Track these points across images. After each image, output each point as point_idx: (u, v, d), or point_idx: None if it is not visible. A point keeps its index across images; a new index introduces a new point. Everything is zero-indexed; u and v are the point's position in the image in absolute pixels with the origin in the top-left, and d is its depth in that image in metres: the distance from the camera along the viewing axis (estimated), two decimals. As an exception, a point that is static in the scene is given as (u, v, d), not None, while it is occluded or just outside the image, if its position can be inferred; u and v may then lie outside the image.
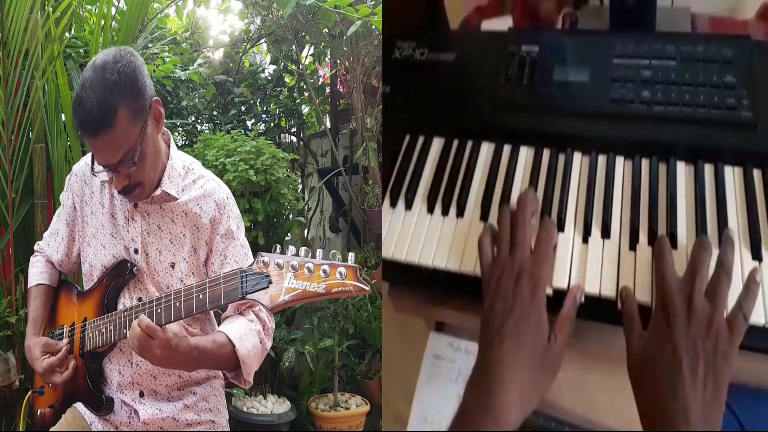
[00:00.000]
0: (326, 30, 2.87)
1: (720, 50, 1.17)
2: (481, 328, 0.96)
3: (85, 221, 1.37)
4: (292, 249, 1.04)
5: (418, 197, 1.22)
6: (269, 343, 1.32)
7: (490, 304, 0.96)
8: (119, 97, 1.16)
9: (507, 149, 1.25)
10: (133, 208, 1.32)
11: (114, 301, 1.32)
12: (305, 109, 3.69)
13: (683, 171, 1.13)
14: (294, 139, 3.76)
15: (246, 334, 1.26)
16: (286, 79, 3.62)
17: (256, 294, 1.03)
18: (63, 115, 2.33)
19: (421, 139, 1.32)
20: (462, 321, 1.16)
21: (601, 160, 1.18)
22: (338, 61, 3.30)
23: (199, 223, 1.32)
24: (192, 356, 1.15)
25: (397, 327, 1.26)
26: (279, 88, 3.60)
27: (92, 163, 1.25)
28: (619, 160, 1.17)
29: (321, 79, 3.61)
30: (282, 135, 3.69)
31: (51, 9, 2.27)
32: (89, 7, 2.71)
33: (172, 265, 1.31)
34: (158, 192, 1.29)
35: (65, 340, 1.34)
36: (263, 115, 3.55)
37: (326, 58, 3.41)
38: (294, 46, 3.24)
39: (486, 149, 1.27)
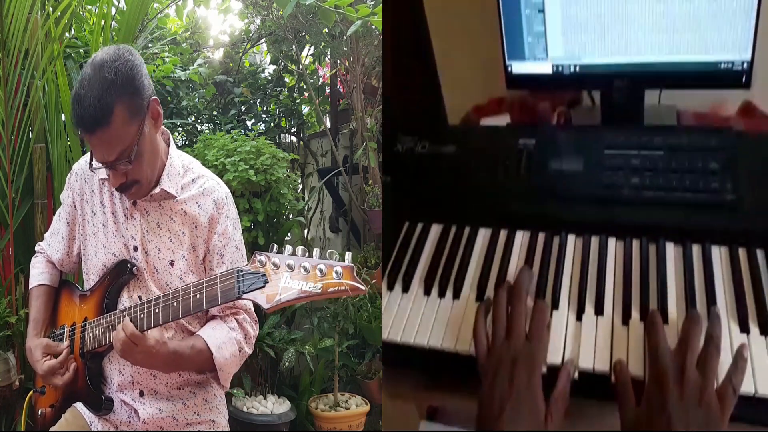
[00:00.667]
0: (326, 30, 2.87)
1: (704, 140, 1.26)
2: (478, 413, 0.99)
3: (86, 220, 1.38)
4: (288, 248, 1.03)
5: (416, 280, 1.27)
6: (249, 350, 1.34)
7: (487, 390, 0.99)
8: (116, 96, 1.17)
9: (504, 233, 1.31)
10: (132, 206, 1.32)
11: (114, 300, 1.32)
12: (305, 109, 3.68)
13: (672, 251, 1.19)
14: (294, 139, 3.75)
15: (225, 342, 1.29)
16: (286, 79, 3.62)
17: (253, 293, 1.03)
18: (63, 115, 2.33)
19: (419, 226, 1.38)
20: (455, 405, 1.19)
21: (594, 241, 1.24)
22: (338, 61, 3.29)
23: (197, 222, 1.32)
24: (170, 360, 1.21)
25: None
26: (279, 88, 3.60)
27: (90, 159, 1.26)
28: (611, 242, 1.23)
29: (321, 79, 3.61)
30: (282, 135, 3.69)
31: (51, 9, 2.27)
32: (89, 7, 2.71)
33: (171, 263, 1.31)
34: (157, 190, 1.30)
35: (66, 342, 1.34)
36: (263, 115, 3.55)
37: (326, 58, 3.41)
38: (294, 46, 3.24)
39: (483, 234, 1.33)
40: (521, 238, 1.30)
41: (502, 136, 1.44)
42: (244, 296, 1.05)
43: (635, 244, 1.21)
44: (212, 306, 1.12)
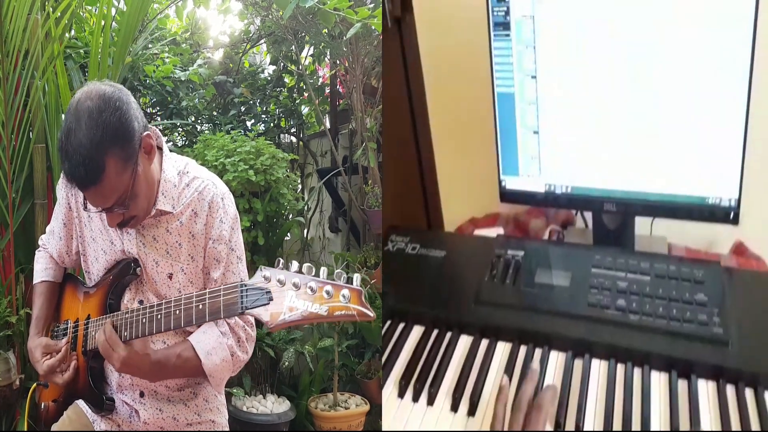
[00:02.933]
0: (326, 30, 2.87)
1: (692, 271, 1.25)
2: None
3: (83, 223, 1.37)
4: (295, 265, 1.00)
5: (390, 380, 1.24)
6: (244, 355, 1.31)
7: None
8: (106, 151, 1.10)
9: (485, 343, 1.28)
10: None
11: (117, 300, 1.31)
12: (305, 110, 3.69)
13: (657, 379, 1.14)
14: (294, 139, 3.76)
15: (215, 348, 1.26)
16: (286, 80, 3.62)
17: (256, 310, 1.01)
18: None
19: (401, 326, 1.36)
20: None
21: (578, 360, 1.20)
22: (338, 62, 3.30)
23: (194, 230, 1.29)
24: (155, 370, 1.21)
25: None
26: (279, 89, 3.60)
27: (84, 201, 1.22)
28: (595, 363, 1.20)
29: (321, 80, 3.61)
30: (282, 135, 3.69)
31: (51, 9, 2.27)
32: (89, 7, 2.72)
33: (170, 276, 1.29)
34: (153, 212, 1.26)
35: (65, 339, 1.34)
36: (263, 116, 3.55)
37: (326, 59, 3.41)
38: (294, 47, 3.25)
39: (464, 342, 1.30)
40: (502, 350, 1.26)
41: (492, 246, 1.44)
42: (247, 312, 1.02)
43: (620, 368, 1.17)
44: (215, 319, 1.10)
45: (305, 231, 3.37)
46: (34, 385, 1.42)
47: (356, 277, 0.97)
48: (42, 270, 1.45)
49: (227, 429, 1.42)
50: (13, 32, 2.15)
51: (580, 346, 1.21)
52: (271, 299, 1.00)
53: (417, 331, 1.35)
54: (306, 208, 3.27)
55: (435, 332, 1.33)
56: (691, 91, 1.28)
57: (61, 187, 1.40)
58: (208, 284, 1.30)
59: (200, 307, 1.09)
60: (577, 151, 1.40)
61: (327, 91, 3.62)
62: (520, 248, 1.41)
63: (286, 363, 2.61)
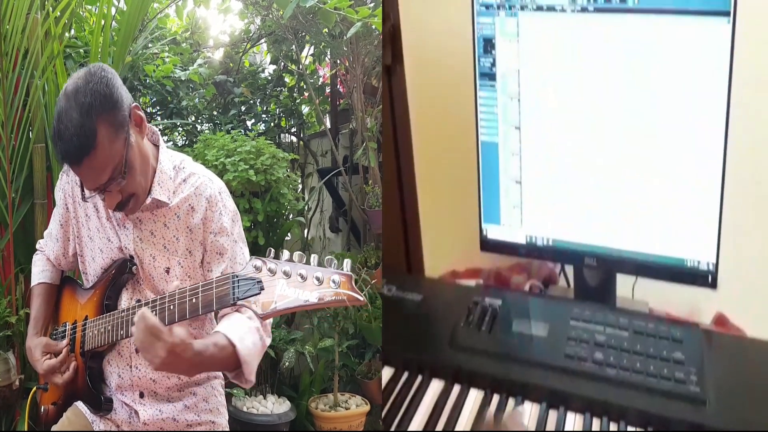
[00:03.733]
0: (326, 30, 2.87)
1: (670, 330, 1.26)
2: None
3: (80, 222, 1.36)
4: (286, 254, 1.00)
5: None
6: (268, 340, 1.29)
7: None
8: (97, 117, 1.13)
9: (456, 389, 1.27)
10: (124, 216, 1.29)
11: (115, 300, 1.31)
12: (305, 109, 3.68)
13: None
14: (294, 139, 3.75)
15: (246, 332, 1.23)
16: (286, 79, 3.61)
17: (248, 300, 1.01)
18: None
19: None
20: None
21: (552, 414, 1.19)
22: (338, 61, 3.30)
23: (191, 224, 1.29)
24: (194, 363, 1.13)
25: None
26: (279, 88, 3.59)
27: (82, 190, 1.23)
28: (570, 416, 1.18)
29: (321, 79, 3.61)
30: (282, 135, 3.69)
31: (51, 8, 2.27)
32: (89, 7, 2.71)
33: (167, 270, 1.29)
34: (148, 200, 1.26)
35: (65, 341, 1.34)
36: (263, 115, 3.55)
37: (326, 58, 3.41)
38: (294, 46, 3.24)
39: (435, 386, 1.28)
40: (474, 396, 1.24)
41: (470, 293, 1.44)
42: (239, 302, 1.03)
43: (595, 421, 1.15)
44: (207, 311, 1.09)
45: (306, 231, 3.36)
46: (34, 388, 1.42)
47: (346, 263, 0.97)
48: (39, 272, 1.45)
49: (227, 429, 1.42)
50: (12, 31, 2.14)
51: (555, 397, 1.20)
52: (262, 289, 1.00)
53: (387, 372, 1.33)
54: (306, 208, 3.27)
55: (405, 374, 1.31)
56: (670, 151, 1.29)
57: (59, 189, 1.40)
58: (208, 274, 1.29)
59: (193, 300, 1.09)
60: (559, 203, 1.41)
61: (327, 90, 3.62)
62: (498, 297, 1.41)
63: (287, 363, 2.61)
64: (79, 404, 1.36)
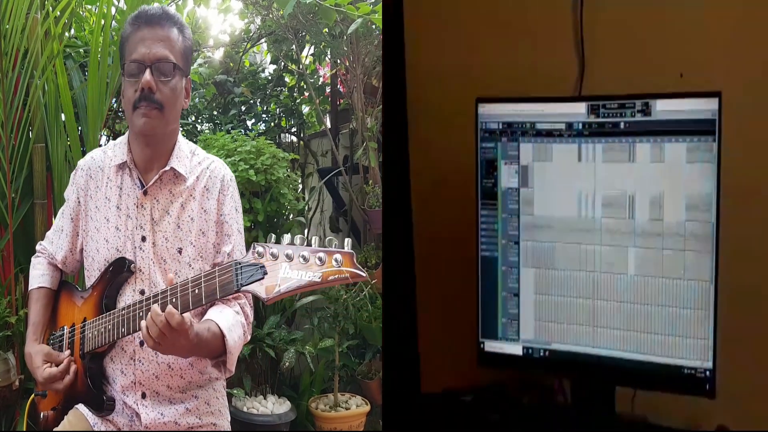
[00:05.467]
0: (326, 29, 2.87)
1: None
2: None
3: (89, 215, 1.38)
4: (287, 238, 1.02)
5: None
6: (248, 336, 1.35)
7: None
8: (180, 28, 1.32)
9: None
10: (143, 195, 1.33)
11: (113, 299, 1.31)
12: (305, 109, 3.68)
13: None
14: (294, 139, 3.75)
15: (233, 325, 1.29)
16: (286, 79, 3.61)
17: (252, 286, 1.02)
18: (63, 115, 2.32)
19: None
20: None
21: None
22: (338, 61, 3.29)
23: (206, 205, 1.34)
24: (193, 344, 1.18)
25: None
26: (279, 88, 3.59)
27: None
28: None
29: (321, 79, 3.60)
30: (282, 135, 3.68)
31: (51, 7, 2.26)
32: (89, 6, 2.70)
33: (180, 251, 1.32)
34: (167, 168, 1.33)
35: (67, 352, 1.34)
36: (263, 115, 3.54)
37: (326, 58, 3.40)
38: (294, 46, 3.24)
39: None
40: None
41: (468, 408, 1.52)
42: (243, 289, 1.04)
43: None
44: (211, 300, 1.11)
45: (306, 231, 3.36)
46: (32, 395, 1.42)
47: (347, 242, 0.99)
48: (39, 276, 1.45)
49: (228, 430, 1.41)
50: (12, 31, 2.14)
51: None
52: (265, 273, 1.01)
53: None
54: (306, 208, 3.26)
55: None
56: (664, 260, 1.36)
57: (72, 184, 1.43)
58: (218, 258, 1.34)
59: (196, 291, 1.11)
60: (555, 313, 1.48)
61: (327, 90, 3.62)
62: (495, 411, 1.51)
63: (287, 363, 2.61)
64: (80, 407, 1.36)
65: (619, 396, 1.46)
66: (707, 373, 1.33)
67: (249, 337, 1.35)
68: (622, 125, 1.36)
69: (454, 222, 1.60)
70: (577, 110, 1.40)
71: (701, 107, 1.29)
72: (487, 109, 1.48)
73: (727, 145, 1.29)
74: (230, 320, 1.28)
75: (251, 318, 1.37)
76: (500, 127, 1.47)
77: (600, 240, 1.41)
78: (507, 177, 1.48)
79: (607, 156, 1.39)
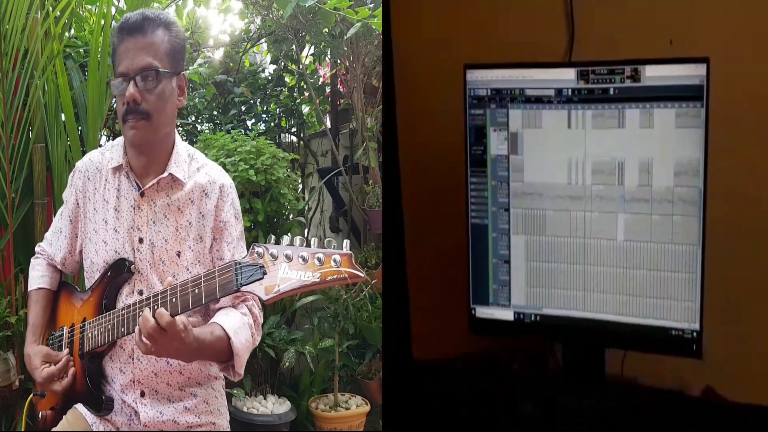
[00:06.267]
0: (326, 30, 2.87)
1: (658, 398, 1.36)
2: None
3: (87, 217, 1.38)
4: (286, 239, 1.03)
5: None
6: (258, 337, 1.34)
7: None
8: (165, 27, 1.28)
9: None
10: (140, 197, 1.33)
11: (113, 299, 1.31)
12: (305, 109, 3.68)
13: None
14: (294, 139, 3.75)
15: (240, 327, 1.28)
16: (286, 79, 3.61)
17: (251, 286, 1.03)
18: (63, 115, 2.32)
19: None
20: None
21: None
22: (338, 61, 3.29)
23: (204, 210, 1.33)
24: (193, 348, 1.17)
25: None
26: (279, 88, 3.59)
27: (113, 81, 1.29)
28: None
29: (321, 79, 3.60)
30: (282, 135, 3.68)
31: (51, 7, 2.26)
32: (89, 6, 2.70)
33: (178, 254, 1.31)
34: (165, 174, 1.31)
35: (66, 350, 1.34)
36: (263, 115, 3.54)
37: (326, 58, 3.40)
38: (294, 46, 3.24)
39: None
40: None
41: (459, 374, 1.54)
42: (243, 288, 1.04)
43: None
44: (211, 300, 1.11)
45: (306, 231, 3.36)
46: (31, 396, 1.42)
47: (346, 243, 1.00)
48: (39, 277, 1.45)
49: (228, 430, 1.41)
50: (12, 31, 2.14)
51: None
52: (264, 273, 1.01)
53: None
54: (306, 208, 3.26)
55: None
56: (652, 222, 1.38)
57: (70, 186, 1.42)
58: (217, 262, 1.32)
59: (196, 291, 1.10)
60: (545, 279, 1.49)
61: (327, 90, 3.61)
62: (487, 376, 1.55)
63: (287, 363, 2.61)
64: (79, 406, 1.36)
65: (609, 360, 1.47)
66: (694, 334, 1.35)
67: (258, 340, 1.33)
68: (611, 91, 1.36)
69: (444, 190, 1.60)
70: (567, 76, 1.40)
71: (689, 73, 1.30)
72: (475, 76, 1.47)
73: (715, 111, 1.30)
74: (236, 323, 1.27)
75: (260, 320, 1.35)
76: (489, 93, 1.46)
77: (590, 207, 1.42)
78: (496, 144, 1.47)
79: (597, 122, 1.39)
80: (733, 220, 1.43)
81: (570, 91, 1.39)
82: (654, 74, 1.33)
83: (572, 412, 1.33)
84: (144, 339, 1.13)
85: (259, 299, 1.03)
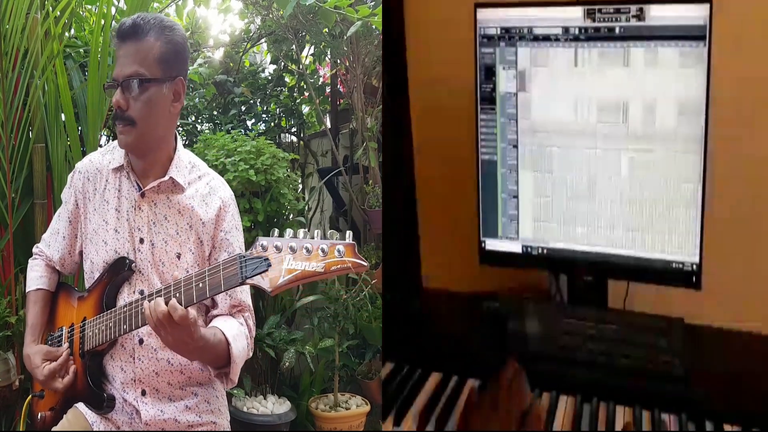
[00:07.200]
0: (326, 30, 2.87)
1: (657, 322, 1.40)
2: None
3: (87, 218, 1.38)
4: (290, 231, 1.04)
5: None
6: (251, 351, 1.36)
7: None
8: (158, 33, 1.27)
9: (454, 379, 1.42)
10: (141, 198, 1.33)
11: (113, 298, 1.32)
12: (305, 109, 3.68)
13: (622, 414, 1.29)
14: (294, 139, 3.75)
15: (238, 335, 1.29)
16: (286, 79, 3.61)
17: (256, 278, 1.03)
18: (63, 115, 2.32)
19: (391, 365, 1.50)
20: None
21: (545, 396, 1.34)
22: (338, 61, 3.29)
23: (204, 217, 1.34)
24: (198, 345, 1.17)
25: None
26: (279, 88, 3.59)
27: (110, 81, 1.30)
28: (562, 398, 1.34)
29: (321, 79, 3.61)
30: (282, 135, 3.68)
31: (51, 7, 2.26)
32: (89, 6, 2.71)
33: (178, 256, 1.32)
34: (166, 178, 1.32)
35: (65, 345, 1.34)
36: (263, 115, 3.54)
37: (326, 58, 3.40)
38: (294, 46, 3.24)
39: (434, 377, 1.43)
40: (470, 384, 1.38)
41: (467, 300, 1.60)
42: (248, 281, 1.05)
43: (585, 406, 1.29)
44: (216, 293, 1.11)
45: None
46: (29, 396, 1.42)
47: (348, 234, 1.02)
48: (37, 278, 1.45)
49: (229, 430, 1.41)
50: (12, 31, 2.14)
51: (548, 383, 1.34)
52: (269, 265, 1.02)
53: (387, 367, 1.47)
54: (306, 208, 3.26)
55: (406, 368, 1.46)
56: (654, 157, 1.41)
57: (69, 187, 1.42)
58: None
59: (200, 285, 1.11)
60: (552, 214, 1.53)
61: (327, 90, 3.62)
62: (495, 300, 1.57)
63: (287, 363, 2.61)
64: (79, 405, 1.36)
65: (612, 296, 1.52)
66: (693, 266, 1.40)
67: (251, 352, 1.35)
68: (617, 30, 1.38)
69: (454, 127, 1.63)
70: (574, 15, 1.42)
71: (693, 13, 1.32)
72: (485, 14, 1.50)
73: (718, 50, 1.31)
74: (235, 330, 1.29)
75: (254, 332, 1.37)
76: (498, 32, 1.49)
77: (595, 144, 1.45)
78: (505, 82, 1.50)
79: (603, 61, 1.41)
80: (733, 156, 1.47)
81: (577, 29, 1.42)
82: (658, 14, 1.35)
83: (573, 329, 1.41)
84: (153, 324, 1.13)
85: (264, 292, 1.03)
